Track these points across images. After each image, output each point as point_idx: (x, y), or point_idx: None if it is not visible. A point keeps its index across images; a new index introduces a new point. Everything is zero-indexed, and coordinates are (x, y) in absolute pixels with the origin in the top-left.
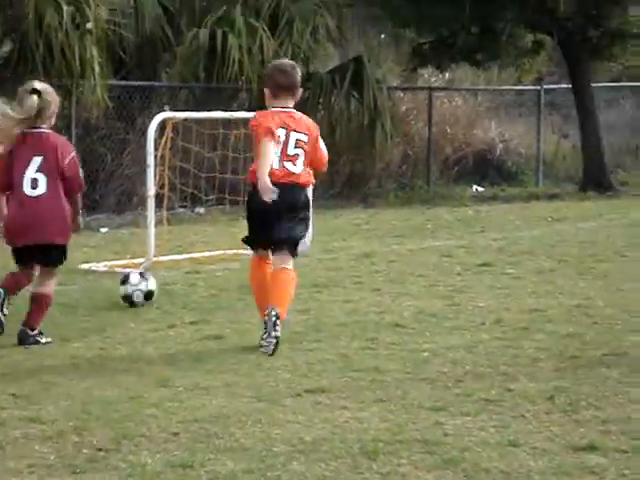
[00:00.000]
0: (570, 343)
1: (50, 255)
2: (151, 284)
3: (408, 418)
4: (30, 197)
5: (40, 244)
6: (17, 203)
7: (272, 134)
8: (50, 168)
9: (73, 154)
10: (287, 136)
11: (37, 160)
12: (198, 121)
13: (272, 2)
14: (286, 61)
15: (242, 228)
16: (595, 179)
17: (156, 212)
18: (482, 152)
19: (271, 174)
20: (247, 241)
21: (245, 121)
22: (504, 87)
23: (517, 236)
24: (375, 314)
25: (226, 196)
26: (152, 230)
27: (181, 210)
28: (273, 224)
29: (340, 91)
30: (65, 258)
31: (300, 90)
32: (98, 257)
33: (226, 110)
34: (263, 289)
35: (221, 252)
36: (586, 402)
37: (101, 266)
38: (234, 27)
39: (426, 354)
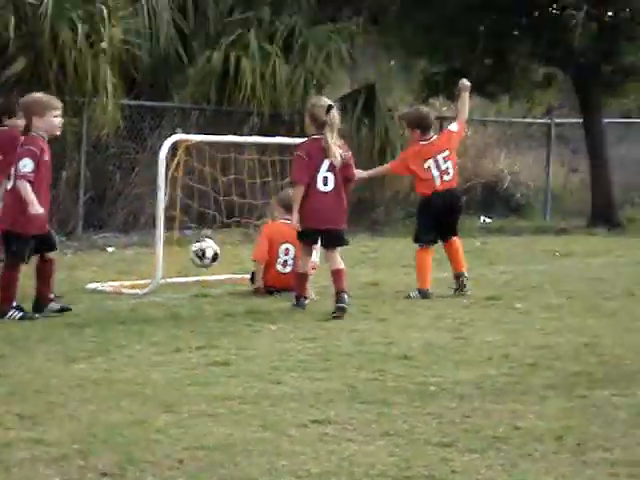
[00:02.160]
0: (578, 382)
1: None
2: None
3: (415, 453)
4: (322, 192)
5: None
6: (313, 197)
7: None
8: (334, 168)
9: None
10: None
11: (326, 162)
12: (210, 143)
13: (286, 27)
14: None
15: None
16: (603, 215)
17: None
18: (491, 183)
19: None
20: (422, 239)
21: (257, 146)
22: (515, 119)
23: (525, 270)
24: (382, 345)
25: (233, 219)
26: (161, 252)
27: (188, 232)
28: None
29: (352, 118)
30: (346, 242)
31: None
32: (105, 277)
33: (237, 133)
34: (429, 269)
35: (228, 276)
36: (594, 443)
37: (107, 286)
38: (248, 51)
39: (433, 388)
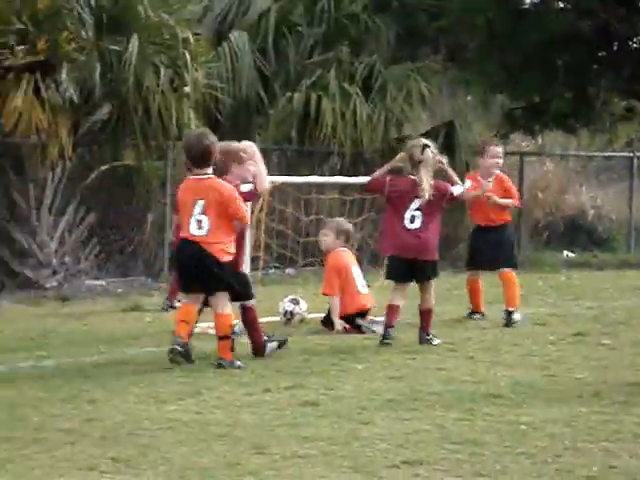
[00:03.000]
0: None
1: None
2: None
3: None
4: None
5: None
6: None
7: None
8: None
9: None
10: None
11: (417, 201)
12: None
13: (366, 67)
14: None
15: None
16: None
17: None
18: (573, 217)
19: None
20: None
21: (339, 186)
22: (597, 153)
23: (611, 305)
24: (470, 384)
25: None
26: None
27: (272, 271)
28: None
29: None
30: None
31: None
32: None
33: (318, 173)
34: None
35: (313, 315)
36: None
37: (196, 327)
38: (328, 91)
39: (524, 427)
